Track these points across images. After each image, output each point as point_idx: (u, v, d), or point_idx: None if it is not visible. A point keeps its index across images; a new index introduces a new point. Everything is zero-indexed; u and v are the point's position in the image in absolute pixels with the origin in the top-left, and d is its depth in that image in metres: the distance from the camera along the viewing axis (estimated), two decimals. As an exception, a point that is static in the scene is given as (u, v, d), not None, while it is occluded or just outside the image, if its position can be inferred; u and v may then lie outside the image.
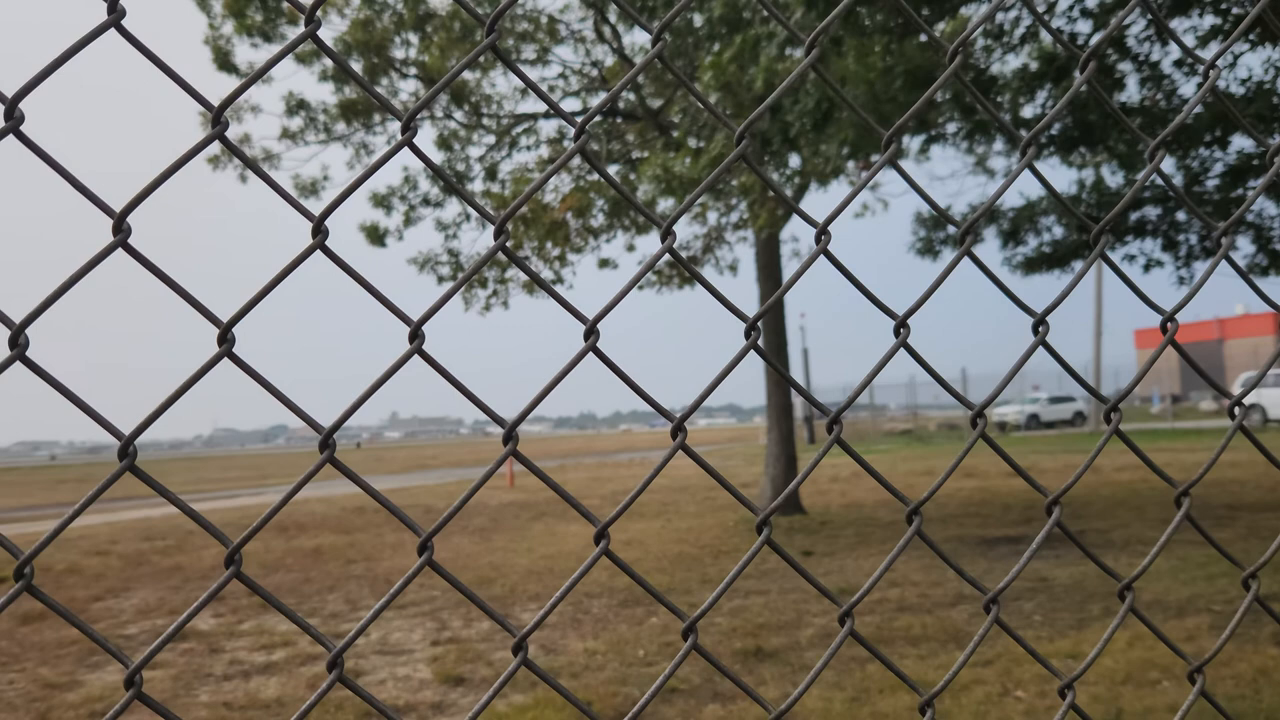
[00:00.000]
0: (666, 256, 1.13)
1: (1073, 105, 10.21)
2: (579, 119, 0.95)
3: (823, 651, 7.00)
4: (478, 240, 17.20)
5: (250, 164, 0.80)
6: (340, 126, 15.13)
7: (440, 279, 16.39)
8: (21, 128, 0.76)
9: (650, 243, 17.35)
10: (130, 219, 0.80)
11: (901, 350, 1.13)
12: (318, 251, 0.87)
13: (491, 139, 16.04)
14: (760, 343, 1.06)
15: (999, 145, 12.35)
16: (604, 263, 16.57)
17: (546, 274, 15.98)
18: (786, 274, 16.22)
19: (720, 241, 15.91)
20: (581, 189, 14.88)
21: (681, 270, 15.78)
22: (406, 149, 0.91)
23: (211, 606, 9.69)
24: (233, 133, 14.95)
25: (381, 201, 15.67)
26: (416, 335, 0.88)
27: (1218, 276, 1.49)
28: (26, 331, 0.72)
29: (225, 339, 0.80)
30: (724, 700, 5.90)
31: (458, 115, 15.54)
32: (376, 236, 15.63)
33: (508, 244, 0.92)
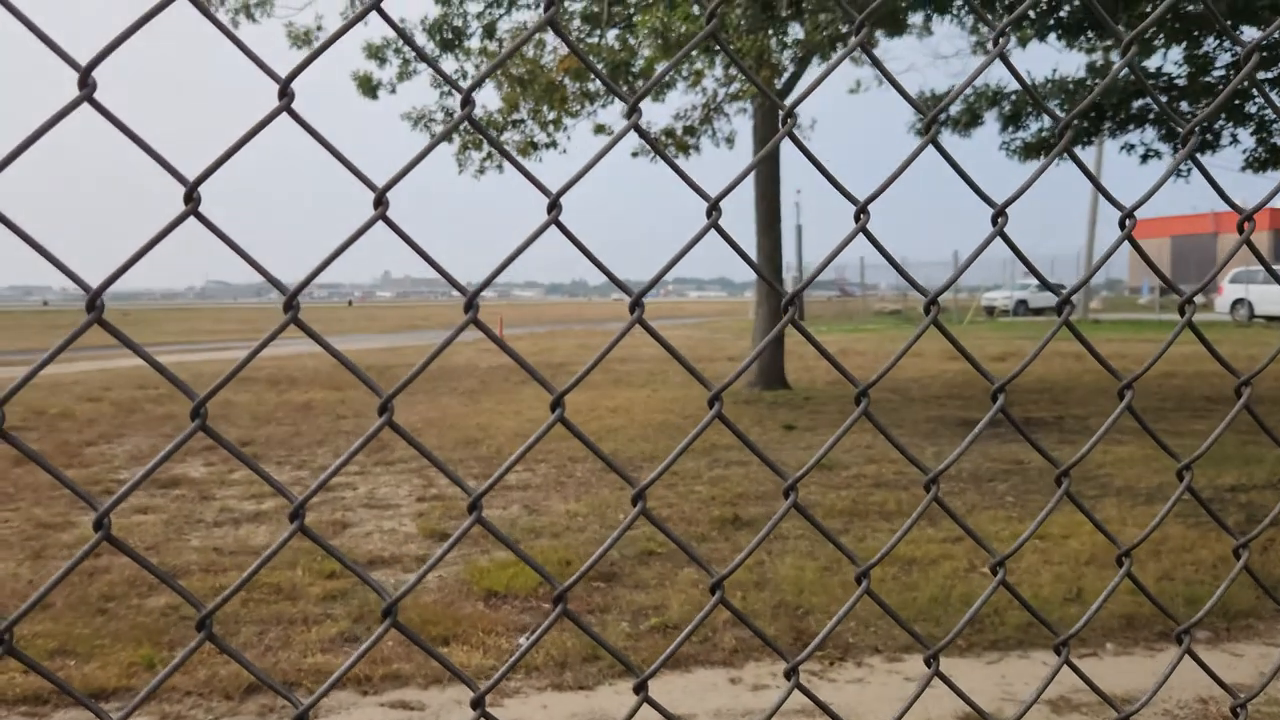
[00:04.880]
0: (640, 136, 1.13)
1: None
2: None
3: (799, 522, 7.18)
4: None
5: (217, 23, 0.79)
6: (335, -26, 14.66)
7: (434, 137, 16.12)
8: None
9: (649, 109, 17.05)
10: (101, 78, 0.80)
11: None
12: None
13: (491, -5, 15.57)
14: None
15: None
16: (600, 128, 16.28)
17: (541, 137, 15.74)
18: (786, 149, 16.02)
19: (718, 113, 15.63)
20: (582, 50, 14.52)
21: (679, 139, 15.57)
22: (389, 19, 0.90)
23: (203, 455, 9.84)
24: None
25: (375, 53, 15.30)
26: (380, 202, 0.89)
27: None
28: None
29: (191, 198, 0.81)
30: (698, 565, 6.09)
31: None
32: (369, 88, 15.32)
33: (474, 113, 0.93)
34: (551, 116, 15.32)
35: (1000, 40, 1.13)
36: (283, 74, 0.85)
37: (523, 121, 15.57)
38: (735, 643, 4.93)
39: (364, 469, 9.33)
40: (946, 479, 8.49)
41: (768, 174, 15.02)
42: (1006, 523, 7.10)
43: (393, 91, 15.50)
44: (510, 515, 7.60)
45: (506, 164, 13.48)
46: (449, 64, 15.88)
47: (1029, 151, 11.99)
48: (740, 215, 15.70)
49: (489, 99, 16.91)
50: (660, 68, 11.93)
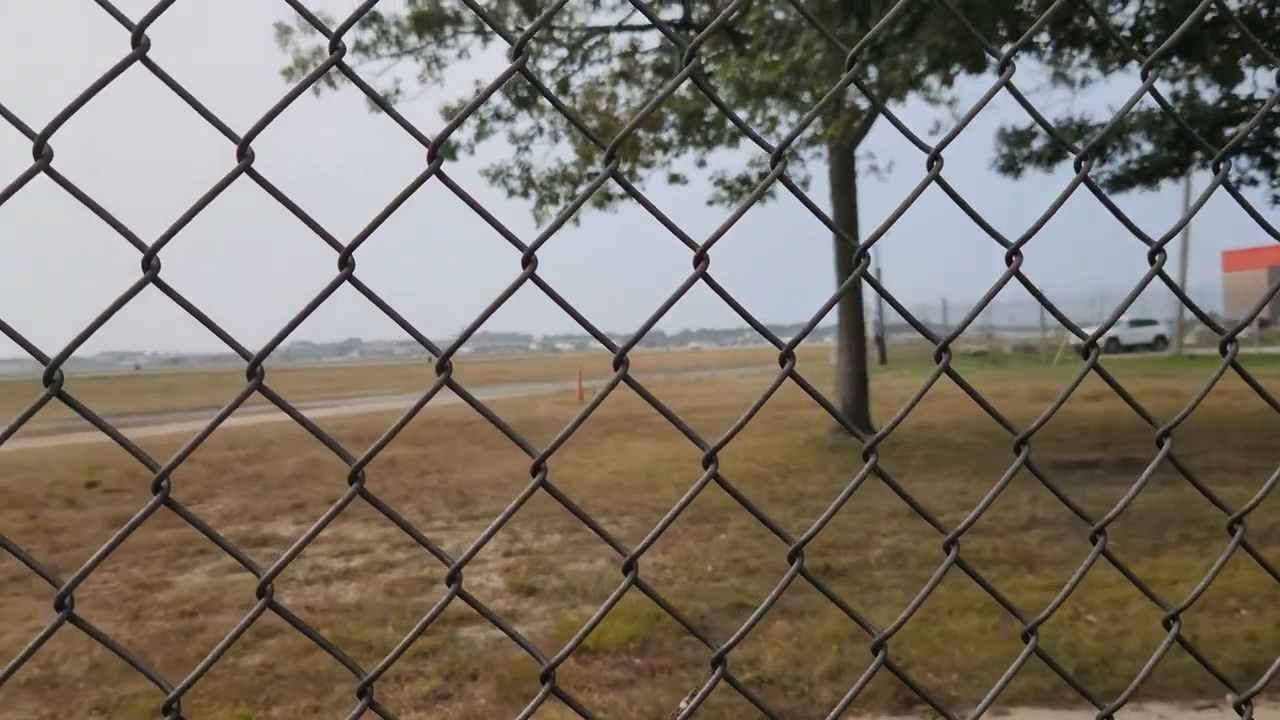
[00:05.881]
0: (785, 185, 1.10)
1: (1167, 16, 9.75)
2: (681, 36, 0.94)
3: (892, 571, 7.04)
4: (549, 154, 17.11)
5: (374, 95, 0.80)
6: (412, 39, 15.06)
7: (510, 192, 16.40)
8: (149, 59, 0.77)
9: (720, 158, 17.15)
10: (258, 148, 0.81)
11: (1010, 276, 1.10)
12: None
13: (564, 52, 15.86)
14: (869, 269, 1.04)
15: (1082, 56, 11.86)
16: (674, 178, 16.40)
17: (617, 189, 15.91)
18: (863, 193, 15.99)
19: (793, 157, 15.64)
20: (651, 101, 14.68)
21: (754, 185, 15.59)
22: (518, 71, 0.90)
23: (292, 513, 10.01)
24: (305, 45, 14.98)
25: (453, 115, 15.65)
26: (530, 260, 0.88)
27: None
28: (158, 255, 0.75)
29: (345, 263, 0.81)
30: (792, 617, 5.98)
31: (528, 28, 15.37)
32: (448, 150, 15.65)
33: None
34: (626, 168, 15.47)
35: (1150, 72, 1.09)
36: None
37: (594, 174, 15.76)
38: (833, 697, 4.82)
39: (450, 524, 9.39)
40: (1044, 524, 8.25)
41: (846, 217, 14.96)
42: (1108, 569, 6.85)
43: (471, 153, 15.81)
44: (597, 569, 7.56)
45: (580, 216, 13.53)
46: (524, 121, 16.18)
47: (1118, 184, 11.71)
48: (821, 264, 15.66)
49: (564, 152, 17.14)
50: (742, 115, 11.98)
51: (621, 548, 0.95)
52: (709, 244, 0.95)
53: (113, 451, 16.24)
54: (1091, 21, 9.84)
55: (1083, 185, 1.10)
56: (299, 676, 5.31)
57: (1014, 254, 1.04)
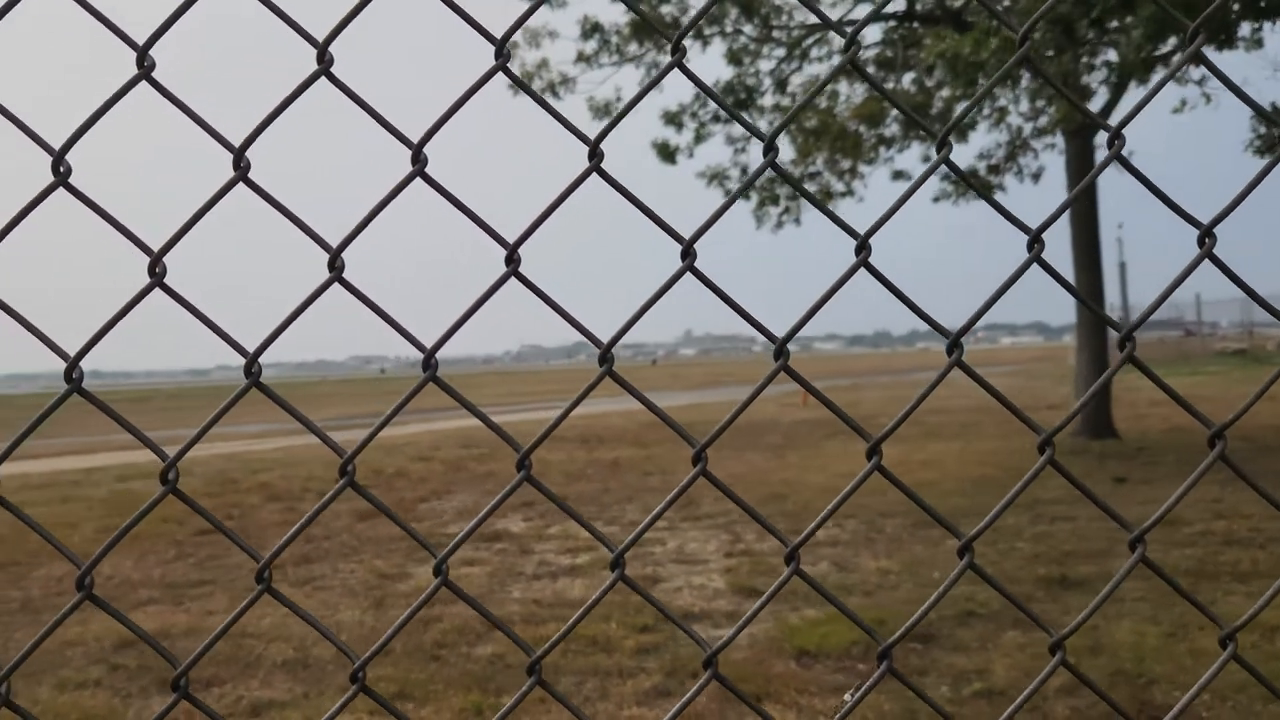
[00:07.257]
0: (951, 170, 1.07)
1: None
2: (848, 29, 0.92)
3: (1138, 583, 6.60)
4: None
5: (536, 96, 0.83)
6: (632, 47, 15.36)
7: (728, 193, 16.44)
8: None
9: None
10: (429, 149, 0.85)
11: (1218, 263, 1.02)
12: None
13: (782, 52, 15.78)
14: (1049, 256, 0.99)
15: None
16: (898, 174, 16.01)
17: (837, 186, 15.66)
18: (1106, 182, 15.12)
19: (1024, 149, 14.95)
20: (875, 98, 14.37)
21: (983, 179, 15.02)
22: (678, 69, 0.91)
23: (521, 510, 10.38)
24: (530, 58, 15.53)
25: (673, 119, 15.83)
26: (688, 254, 0.89)
27: None
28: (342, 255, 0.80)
29: (511, 259, 0.85)
30: (1025, 627, 5.71)
31: (747, 29, 15.38)
32: (667, 154, 15.85)
33: (777, 160, 0.91)
34: (847, 165, 15.23)
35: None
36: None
37: (819, 173, 15.57)
38: (1069, 712, 4.57)
39: (673, 524, 9.50)
40: (1312, 536, 7.53)
41: (1084, 208, 14.18)
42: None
43: (690, 155, 15.95)
44: (819, 572, 7.47)
45: (803, 216, 13.50)
46: (742, 123, 16.18)
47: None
48: (1057, 253, 14.89)
49: (782, 150, 17.10)
50: (961, 107, 11.61)
51: (782, 537, 0.94)
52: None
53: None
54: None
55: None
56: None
57: (1206, 236, 0.96)
